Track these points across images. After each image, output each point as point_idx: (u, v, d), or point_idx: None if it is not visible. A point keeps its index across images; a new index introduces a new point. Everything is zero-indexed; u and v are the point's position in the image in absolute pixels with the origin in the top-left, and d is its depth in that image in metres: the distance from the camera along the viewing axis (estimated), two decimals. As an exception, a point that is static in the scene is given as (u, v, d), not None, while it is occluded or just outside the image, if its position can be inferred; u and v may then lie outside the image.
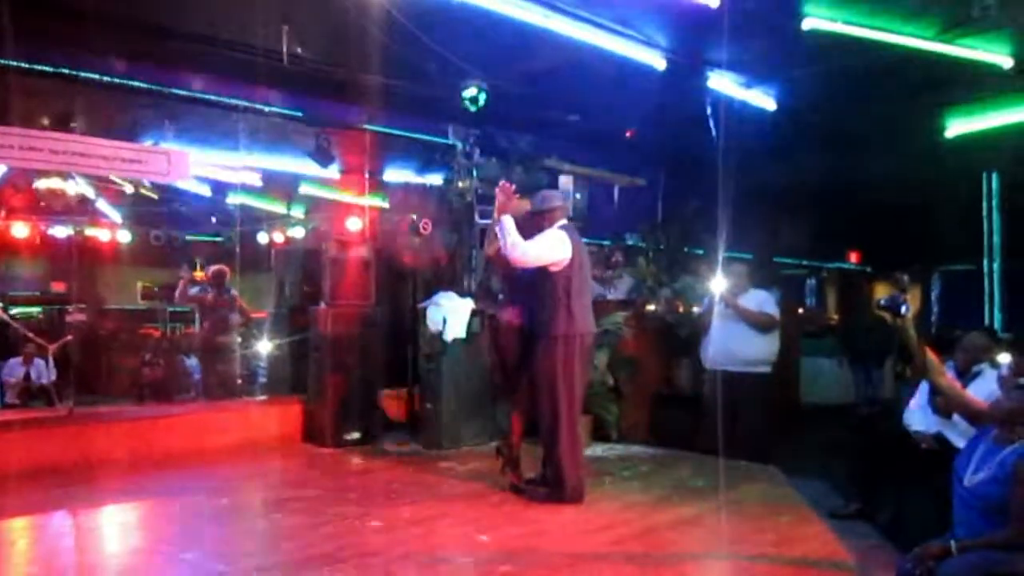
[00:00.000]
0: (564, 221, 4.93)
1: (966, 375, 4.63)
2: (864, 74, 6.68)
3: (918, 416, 4.82)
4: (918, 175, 9.33)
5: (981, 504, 3.16)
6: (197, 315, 9.24)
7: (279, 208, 10.80)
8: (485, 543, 4.01)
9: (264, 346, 7.99)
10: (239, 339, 8.36)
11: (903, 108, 7.59)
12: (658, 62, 6.39)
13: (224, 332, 8.41)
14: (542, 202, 4.94)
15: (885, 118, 7.80)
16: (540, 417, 4.77)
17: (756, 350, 6.27)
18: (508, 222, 4.62)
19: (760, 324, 6.24)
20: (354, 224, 7.55)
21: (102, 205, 9.96)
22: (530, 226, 4.85)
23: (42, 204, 8.74)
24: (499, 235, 4.65)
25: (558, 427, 4.68)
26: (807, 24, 5.80)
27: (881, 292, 15.43)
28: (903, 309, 3.59)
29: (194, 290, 8.67)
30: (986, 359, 4.71)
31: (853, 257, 15.74)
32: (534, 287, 4.79)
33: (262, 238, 11.01)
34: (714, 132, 7.12)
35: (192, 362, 9.32)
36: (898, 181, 9.58)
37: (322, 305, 6.59)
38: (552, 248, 4.70)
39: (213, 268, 8.71)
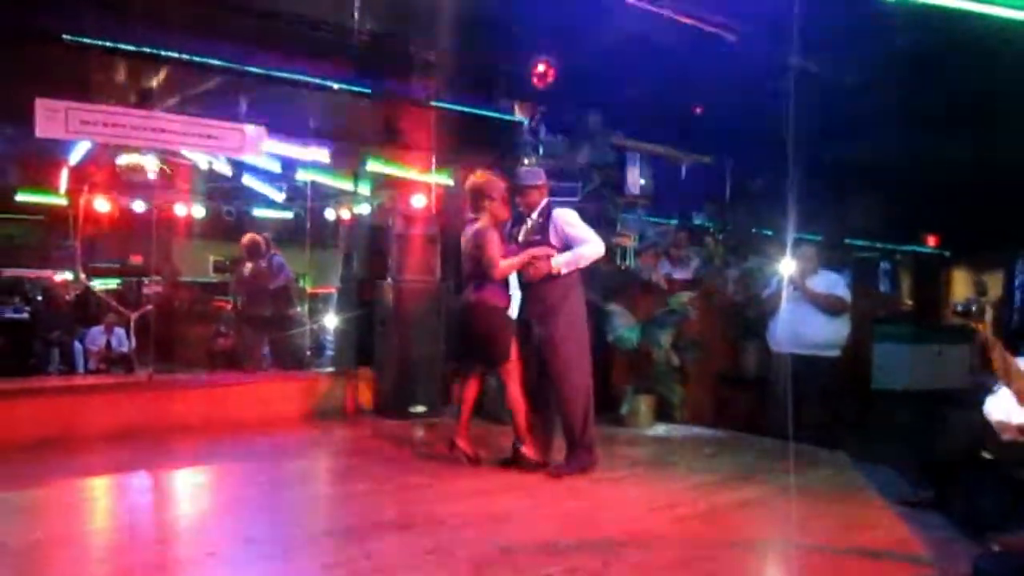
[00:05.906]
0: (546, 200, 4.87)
1: (1050, 363, 4.43)
2: (949, 47, 6.37)
3: (1000, 406, 4.62)
4: (1003, 154, 8.89)
5: None
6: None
7: (346, 185, 10.97)
8: (547, 515, 4.04)
9: (331, 319, 8.12)
10: (268, 311, 7.96)
11: (990, 83, 7.23)
12: (730, 36, 6.23)
13: (256, 305, 8.03)
14: (529, 178, 4.88)
15: (969, 93, 7.44)
16: (576, 389, 4.72)
17: (826, 333, 6.11)
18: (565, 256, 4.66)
19: (830, 307, 6.07)
20: (419, 201, 7.59)
21: (178, 180, 10.28)
22: (526, 203, 4.83)
23: (122, 179, 9.07)
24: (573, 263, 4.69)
25: (589, 391, 4.75)
26: (889, -6, 5.57)
27: (959, 280, 14.85)
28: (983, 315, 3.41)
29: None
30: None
31: (930, 240, 15.12)
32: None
33: (329, 214, 11.21)
34: (786, 109, 6.92)
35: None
36: (981, 160, 9.13)
37: (388, 280, 6.69)
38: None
39: (245, 238, 8.09)
